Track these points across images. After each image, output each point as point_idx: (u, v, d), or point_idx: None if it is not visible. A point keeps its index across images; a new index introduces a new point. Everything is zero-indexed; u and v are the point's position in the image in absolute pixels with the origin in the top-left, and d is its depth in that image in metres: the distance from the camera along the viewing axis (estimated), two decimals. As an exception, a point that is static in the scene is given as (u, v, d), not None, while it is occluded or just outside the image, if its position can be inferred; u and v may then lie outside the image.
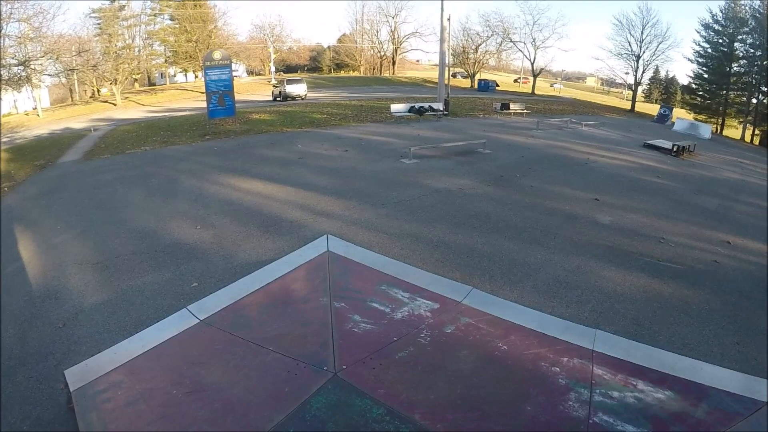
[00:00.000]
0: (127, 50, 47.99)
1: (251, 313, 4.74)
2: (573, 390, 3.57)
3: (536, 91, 55.83)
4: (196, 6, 50.26)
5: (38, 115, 35.74)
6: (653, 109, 47.27)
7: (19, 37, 32.49)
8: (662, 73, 61.64)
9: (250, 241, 7.91)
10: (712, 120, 45.51)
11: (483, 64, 60.63)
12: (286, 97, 35.66)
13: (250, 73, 65.52)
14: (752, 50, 43.25)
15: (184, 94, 46.00)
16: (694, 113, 48.42)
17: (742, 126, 44.85)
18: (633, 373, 3.76)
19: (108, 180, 12.42)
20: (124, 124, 25.97)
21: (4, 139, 23.51)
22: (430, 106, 24.83)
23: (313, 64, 72.45)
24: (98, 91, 47.79)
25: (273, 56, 58.23)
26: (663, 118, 37.57)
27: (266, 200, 10.04)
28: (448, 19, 26.80)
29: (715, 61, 46.44)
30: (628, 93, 56.81)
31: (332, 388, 3.56)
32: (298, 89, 36.51)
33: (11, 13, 31.02)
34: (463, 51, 58.97)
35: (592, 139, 21.29)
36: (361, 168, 12.98)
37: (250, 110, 26.13)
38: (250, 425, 3.29)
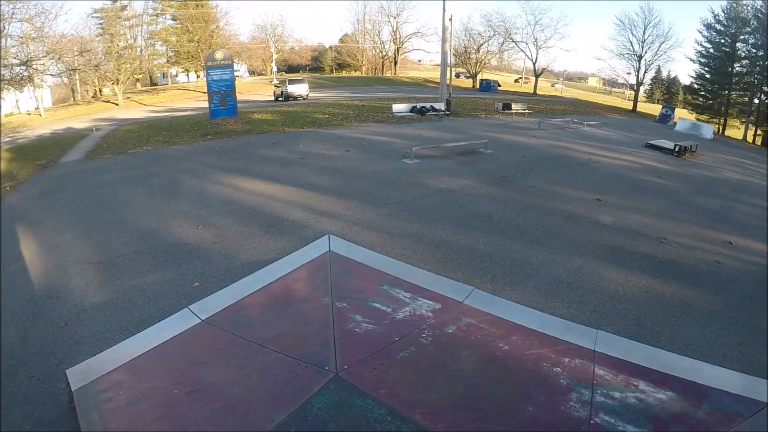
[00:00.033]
0: (129, 50, 48.08)
1: (253, 313, 4.74)
2: (574, 390, 3.57)
3: (538, 91, 55.85)
4: (198, 6, 50.30)
5: (40, 114, 35.81)
6: (655, 109, 47.22)
7: (22, 37, 32.54)
8: (664, 73, 61.59)
9: (252, 240, 7.91)
10: (714, 120, 45.48)
11: (485, 64, 60.67)
12: (287, 97, 35.69)
13: (251, 73, 65.60)
14: (754, 50, 43.20)
15: (186, 94, 46.03)
16: (696, 113, 48.42)
17: (744, 126, 44.81)
18: (634, 373, 3.75)
19: (110, 180, 12.43)
20: (126, 124, 26.00)
21: (6, 139, 23.56)
22: (431, 106, 24.81)
23: (314, 64, 72.51)
24: (100, 91, 47.89)
25: (275, 56, 58.26)
26: (665, 118, 37.52)
27: (268, 200, 10.04)
28: (450, 19, 26.81)
29: (717, 61, 46.40)
30: (630, 93, 56.80)
31: (334, 388, 3.56)
32: (300, 89, 36.53)
33: (13, 13, 31.11)
34: (465, 51, 59.05)
35: (593, 140, 21.27)
36: (362, 168, 12.98)
37: (251, 110, 26.16)
38: (251, 425, 3.29)
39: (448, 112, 25.97)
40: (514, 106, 30.24)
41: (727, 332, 5.65)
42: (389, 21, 66.92)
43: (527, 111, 30.12)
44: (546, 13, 74.97)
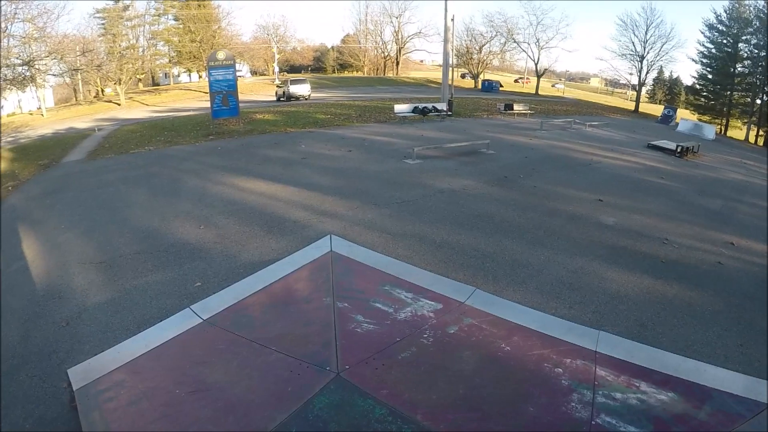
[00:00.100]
0: (131, 50, 48.15)
1: (254, 313, 4.74)
2: (576, 391, 3.56)
3: (539, 92, 55.80)
4: (200, 6, 50.38)
5: (42, 114, 35.89)
6: (657, 109, 47.24)
7: (24, 37, 32.57)
8: (666, 74, 61.63)
9: (254, 241, 7.92)
10: (716, 121, 45.49)
11: (486, 64, 60.69)
12: (289, 98, 35.72)
13: (253, 73, 65.66)
14: (756, 51, 43.19)
15: (188, 94, 46.08)
16: (698, 114, 48.41)
17: (746, 127, 44.79)
18: (636, 374, 3.75)
19: (111, 180, 12.45)
20: (128, 124, 26.04)
21: (8, 139, 23.61)
22: (433, 106, 24.82)
23: (316, 65, 72.57)
24: (102, 91, 48.00)
25: (277, 56, 58.31)
26: (667, 118, 37.50)
27: (270, 200, 10.05)
28: (452, 20, 26.83)
29: (719, 61, 46.38)
30: (632, 93, 56.81)
31: (335, 388, 3.56)
32: (302, 89, 36.55)
33: (15, 13, 31.13)
34: (467, 51, 59.11)
35: (595, 140, 21.26)
36: (364, 168, 12.98)
37: (253, 110, 26.19)
38: (252, 425, 3.29)
39: (450, 113, 25.97)
40: (516, 106, 30.26)
41: (728, 333, 5.65)
42: (391, 21, 67.06)
43: (529, 111, 30.12)
44: (548, 14, 75.23)
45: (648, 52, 50.90)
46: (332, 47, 73.81)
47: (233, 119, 20.78)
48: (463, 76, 61.85)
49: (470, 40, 59.31)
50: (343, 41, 72.58)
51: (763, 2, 41.78)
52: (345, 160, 14.10)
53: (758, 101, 43.76)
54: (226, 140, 17.81)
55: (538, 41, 56.84)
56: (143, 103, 41.09)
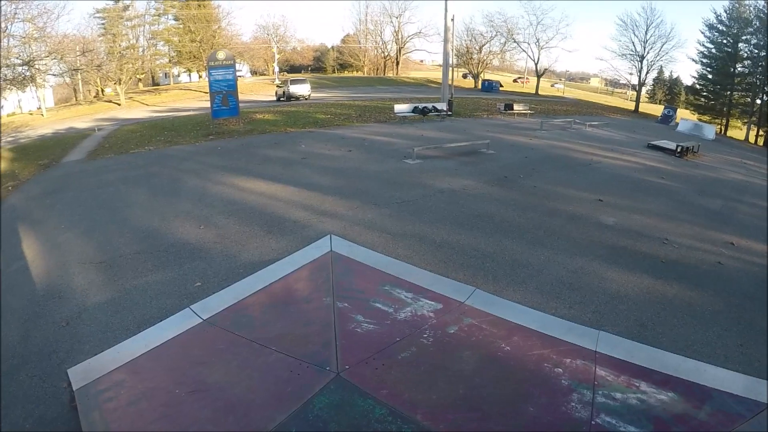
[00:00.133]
0: (131, 50, 48.15)
1: (254, 313, 4.74)
2: (575, 391, 3.56)
3: (539, 92, 55.81)
4: (200, 6, 50.38)
5: (42, 114, 35.89)
6: (657, 109, 47.25)
7: (24, 37, 32.57)
8: (666, 74, 61.64)
9: (254, 240, 7.92)
10: (716, 121, 45.50)
11: (486, 64, 60.69)
12: (289, 98, 35.71)
13: (253, 73, 65.66)
14: (756, 51, 43.19)
15: (188, 94, 46.08)
16: (698, 114, 48.42)
17: (746, 127, 44.79)
18: (636, 374, 3.75)
19: (111, 179, 12.45)
20: (128, 123, 26.04)
21: (8, 139, 23.61)
22: (433, 106, 24.82)
23: (316, 65, 72.57)
24: (102, 90, 48.00)
25: (277, 56, 58.30)
26: (667, 118, 37.51)
27: (270, 200, 10.05)
28: (452, 20, 26.83)
29: (719, 61, 46.38)
30: (632, 93, 56.83)
31: (335, 388, 3.56)
32: (302, 89, 36.55)
33: (16, 13, 31.13)
34: (467, 51, 59.12)
35: (595, 140, 21.26)
36: (364, 168, 12.98)
37: (253, 110, 26.19)
38: (252, 425, 3.29)
39: (450, 113, 25.97)
40: (516, 106, 30.27)
41: (728, 333, 5.65)
42: (391, 21, 67.06)
43: (529, 111, 30.13)
44: (548, 14, 75.28)
45: (648, 52, 50.95)
46: (332, 47, 73.90)
47: (233, 119, 20.78)
48: (465, 76, 61.88)
49: (470, 40, 59.40)
50: (343, 41, 72.66)
51: (763, 2, 41.81)
52: (345, 160, 14.10)
53: (758, 101, 43.77)
54: (226, 140, 17.81)
55: (538, 41, 56.94)
56: (143, 103, 41.09)
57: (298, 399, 3.44)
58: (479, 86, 55.94)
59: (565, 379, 3.71)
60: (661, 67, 55.93)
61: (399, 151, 15.31)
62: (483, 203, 10.03)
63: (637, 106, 50.61)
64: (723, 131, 44.12)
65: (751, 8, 43.64)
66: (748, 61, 44.52)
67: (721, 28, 45.85)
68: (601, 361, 3.90)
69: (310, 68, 70.75)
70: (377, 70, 70.02)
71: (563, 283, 6.68)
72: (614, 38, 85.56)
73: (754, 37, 43.22)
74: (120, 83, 42.49)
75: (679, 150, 19.19)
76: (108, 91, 47.34)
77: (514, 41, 58.56)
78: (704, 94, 49.39)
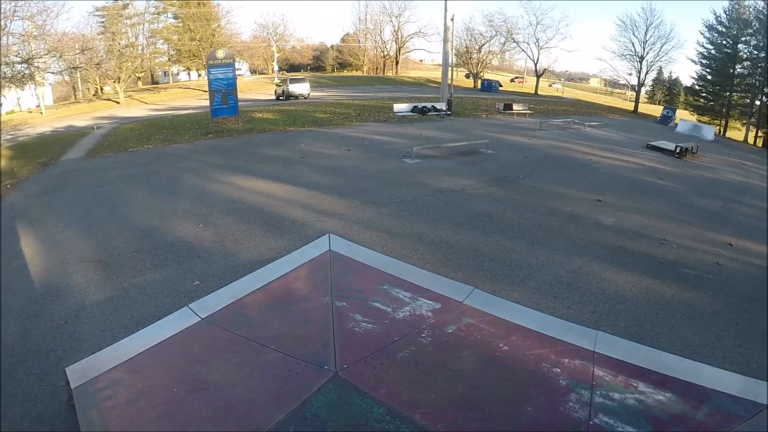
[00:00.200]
0: (131, 48, 48.11)
1: (252, 312, 4.75)
2: (574, 391, 3.57)
3: (538, 92, 55.84)
4: (199, 5, 50.30)
5: (41, 112, 35.82)
6: (656, 110, 47.26)
7: (23, 35, 32.57)
8: (665, 75, 61.62)
9: (252, 239, 7.91)
10: (716, 121, 45.53)
11: (486, 64, 60.67)
12: (289, 96, 35.69)
13: (253, 72, 65.58)
14: (756, 52, 43.20)
15: (188, 93, 46.03)
16: (698, 115, 48.44)
17: (745, 128, 44.81)
18: (634, 374, 3.76)
19: (110, 178, 12.43)
20: (127, 122, 26.01)
21: (7, 137, 23.56)
22: (433, 105, 24.81)
23: (316, 64, 72.51)
24: (101, 89, 47.94)
25: (276, 55, 58.23)
26: (666, 119, 37.53)
27: (268, 199, 10.04)
28: (452, 19, 26.80)
29: (719, 62, 46.39)
30: (632, 94, 56.86)
31: (333, 388, 3.56)
32: (301, 88, 36.52)
33: (15, 11, 31.13)
34: (467, 51, 59.08)
35: (595, 140, 21.27)
36: (363, 167, 12.98)
37: (253, 109, 26.16)
38: (250, 424, 3.29)
39: (449, 112, 25.96)
40: (515, 106, 30.26)
41: (727, 334, 5.65)
42: (391, 21, 67.04)
43: (528, 111, 30.13)
44: (548, 14, 75.29)
45: (647, 53, 50.95)
46: (332, 46, 73.90)
47: (232, 118, 20.75)
48: (467, 76, 61.84)
49: (470, 40, 59.35)
50: (343, 40, 72.62)
51: (762, 3, 41.84)
52: (344, 159, 14.10)
53: (757, 102, 43.81)
54: (225, 139, 17.80)
55: (537, 41, 56.94)
56: (142, 102, 41.05)
57: (297, 398, 3.45)
58: (478, 86, 55.92)
59: (563, 379, 3.71)
60: (661, 67, 56.02)
61: (398, 150, 15.31)
62: (482, 203, 10.03)
63: (636, 107, 50.64)
64: (722, 132, 44.14)
65: (751, 9, 43.70)
66: (748, 63, 44.54)
67: (720, 29, 45.89)
68: (600, 361, 3.90)
69: (309, 67, 70.70)
70: (377, 69, 69.99)
71: (562, 283, 6.68)
72: (614, 38, 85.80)
73: (753, 38, 43.24)
74: (119, 81, 42.44)
75: (678, 151, 19.21)
76: (107, 89, 47.29)
77: (514, 41, 58.64)
78: (703, 94, 49.40)
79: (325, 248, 5.80)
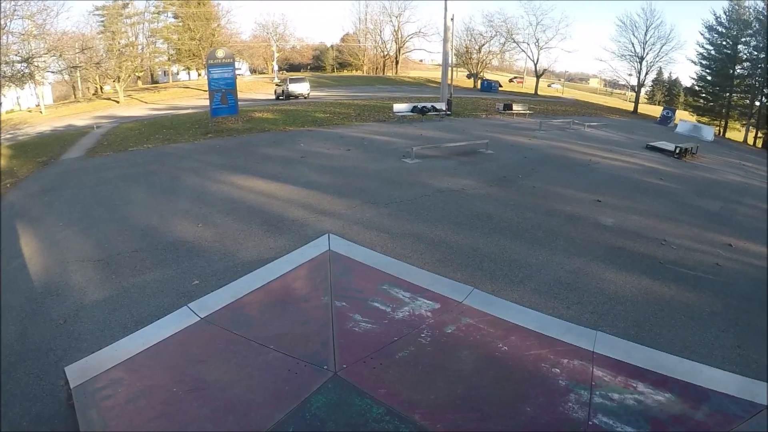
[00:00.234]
0: (131, 48, 48.07)
1: (252, 312, 4.75)
2: (573, 391, 3.57)
3: (538, 92, 55.85)
4: (199, 4, 50.26)
5: (41, 112, 35.82)
6: (656, 110, 47.25)
7: (23, 34, 32.51)
8: (665, 75, 61.59)
9: (252, 239, 7.91)
10: (715, 122, 45.52)
11: (486, 64, 60.66)
12: (288, 96, 35.67)
13: (253, 71, 65.57)
14: (756, 53, 43.19)
15: (187, 92, 46.00)
16: (697, 115, 48.42)
17: (745, 128, 44.82)
18: (633, 374, 3.76)
19: (110, 177, 12.42)
20: (127, 121, 26.00)
21: (7, 136, 23.55)
22: (432, 106, 24.80)
23: (316, 63, 72.48)
24: (101, 88, 47.93)
25: (276, 55, 58.21)
26: (666, 119, 37.53)
27: (268, 199, 10.04)
28: (452, 19, 26.80)
29: (719, 63, 46.37)
30: (631, 94, 56.84)
31: (332, 387, 3.56)
32: (301, 88, 36.51)
33: (15, 10, 31.08)
34: (467, 51, 59.06)
35: (594, 141, 21.27)
36: (363, 167, 12.98)
37: (252, 109, 26.15)
38: (250, 423, 3.29)
39: (449, 112, 25.96)
40: (514, 106, 30.26)
41: (726, 334, 5.65)
42: (391, 20, 66.98)
43: (528, 112, 30.12)
44: (548, 14, 75.28)
45: (647, 53, 50.91)
46: (332, 46, 73.83)
47: (232, 117, 20.74)
48: (469, 77, 61.82)
49: (470, 40, 59.33)
50: (343, 40, 72.56)
51: (762, 4, 41.84)
52: (344, 158, 14.10)
53: (757, 103, 43.78)
54: (224, 138, 17.79)
55: (537, 41, 56.89)
56: (142, 101, 41.03)
57: (296, 398, 3.45)
58: (478, 86, 55.92)
59: (562, 379, 3.72)
60: (661, 68, 55.95)
61: (398, 150, 15.30)
62: (482, 203, 10.03)
63: (636, 107, 50.63)
64: (722, 133, 44.14)
65: (751, 10, 43.67)
66: (748, 63, 44.53)
67: (720, 29, 45.85)
68: (599, 361, 3.91)
69: (309, 67, 70.67)
70: (376, 69, 69.97)
71: (561, 283, 6.68)
72: (614, 39, 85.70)
73: (753, 39, 43.22)
74: (119, 81, 42.43)
75: (677, 151, 19.21)
76: (107, 88, 47.29)
77: (514, 41, 58.62)
78: (703, 95, 49.40)
79: (324, 248, 5.80)
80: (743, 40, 44.22)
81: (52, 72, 37.84)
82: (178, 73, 58.90)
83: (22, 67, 31.69)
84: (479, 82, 56.57)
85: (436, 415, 3.37)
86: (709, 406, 3.48)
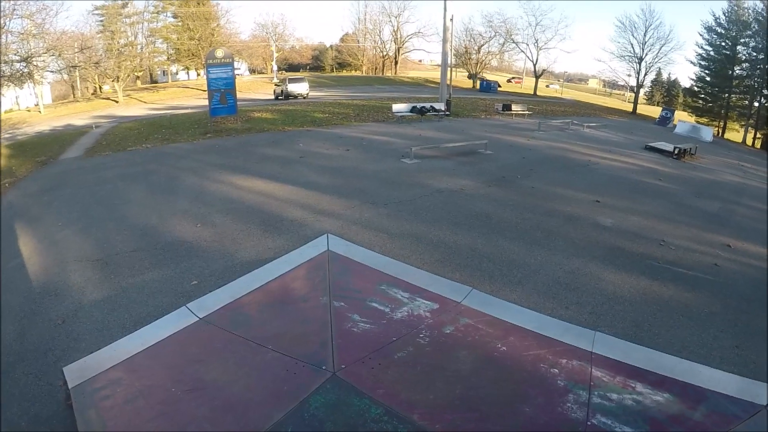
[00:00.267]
0: (130, 47, 47.97)
1: (251, 312, 4.75)
2: (571, 391, 3.57)
3: (537, 92, 55.88)
4: (199, 4, 50.19)
5: (40, 111, 35.79)
6: (655, 111, 47.24)
7: (22, 34, 32.43)
8: (664, 76, 61.58)
9: (251, 239, 7.91)
10: (714, 123, 45.52)
11: (485, 64, 60.66)
12: (288, 96, 35.66)
13: (252, 71, 65.49)
14: (755, 53, 43.23)
15: (186, 92, 45.98)
16: (696, 116, 48.42)
17: (743, 129, 44.85)
18: (632, 375, 3.76)
19: (109, 177, 12.42)
20: (126, 121, 25.98)
21: (6, 136, 23.51)
22: (431, 106, 24.81)
23: (315, 63, 72.44)
24: (100, 88, 47.85)
25: (275, 55, 58.18)
26: (665, 120, 37.54)
27: (267, 199, 10.04)
28: (451, 20, 26.82)
29: (718, 63, 46.39)
30: (630, 95, 56.87)
31: (331, 388, 3.56)
32: (300, 88, 36.50)
33: (14, 10, 31.02)
34: (466, 51, 59.03)
35: (593, 141, 21.29)
36: (362, 167, 12.98)
37: (251, 109, 26.14)
38: (249, 424, 3.29)
39: (448, 113, 25.96)
40: (513, 107, 30.25)
41: (724, 335, 5.66)
42: (390, 21, 66.89)
43: (527, 112, 30.12)
44: (547, 14, 74.81)
45: (646, 54, 50.92)
46: (331, 46, 73.76)
47: (231, 117, 20.74)
48: (470, 77, 61.82)
49: (469, 41, 59.31)
50: (342, 40, 72.51)
51: (761, 5, 41.87)
52: (343, 159, 14.10)
53: (756, 104, 43.79)
54: (223, 138, 17.79)
55: (536, 42, 56.88)
56: (141, 101, 41.00)
57: (295, 398, 3.45)
58: (477, 86, 55.92)
59: (561, 379, 3.72)
60: (660, 68, 55.93)
61: (397, 150, 15.31)
62: (480, 203, 10.04)
63: (635, 108, 50.67)
64: (720, 133, 44.16)
65: (750, 11, 43.68)
66: (747, 64, 44.55)
67: (719, 30, 45.85)
68: (598, 361, 3.91)
69: (308, 67, 70.62)
70: (376, 69, 69.92)
71: (560, 283, 6.69)
72: (613, 40, 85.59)
73: (752, 39, 43.25)
74: (118, 80, 42.39)
75: (676, 152, 19.23)
76: (106, 88, 47.19)
77: (513, 42, 58.60)
78: (702, 96, 49.40)
79: (323, 248, 5.80)
80: (742, 40, 44.25)
81: (51, 71, 37.77)
82: (177, 73, 58.83)
83: (21, 67, 31.63)
84: (478, 82, 56.56)
85: (435, 415, 3.37)
86: (708, 406, 3.48)
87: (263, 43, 61.11)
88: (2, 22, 29.62)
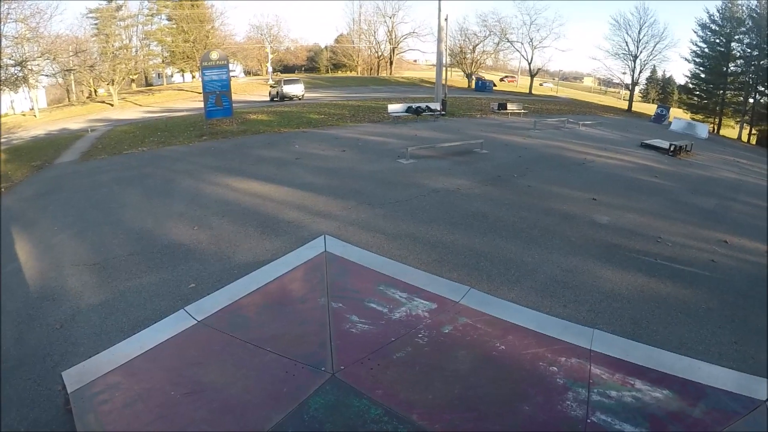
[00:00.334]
0: (124, 50, 47.88)
1: (249, 314, 4.73)
2: (571, 390, 3.57)
3: (533, 91, 55.95)
4: (193, 6, 50.13)
5: (35, 115, 35.63)
6: (650, 108, 47.41)
7: (16, 38, 32.37)
8: (659, 73, 61.71)
9: (248, 241, 7.90)
10: (709, 120, 45.66)
11: (480, 64, 60.70)
12: (283, 98, 35.63)
13: (247, 73, 65.40)
14: (749, 50, 43.38)
15: (182, 95, 45.90)
16: (691, 113, 48.55)
17: (739, 125, 45.02)
18: (631, 372, 3.76)
19: (105, 180, 12.39)
20: (122, 124, 25.91)
21: (1, 140, 23.43)
22: (427, 106, 24.80)
23: (310, 65, 72.38)
24: (95, 91, 47.70)
25: (270, 56, 58.16)
26: (660, 117, 37.63)
27: (263, 201, 10.03)
28: (446, 19, 26.84)
29: (712, 60, 46.54)
30: (626, 93, 57.02)
31: (330, 389, 3.55)
32: (296, 89, 36.48)
33: (8, 13, 30.95)
34: (461, 51, 59.05)
35: (589, 139, 21.33)
36: (358, 168, 12.97)
37: (247, 110, 26.10)
38: (248, 426, 3.28)
39: (443, 112, 25.96)
40: (509, 106, 30.27)
41: (722, 331, 5.68)
42: (385, 21, 66.82)
43: (523, 111, 30.15)
44: (541, 13, 74.96)
45: (641, 52, 51.08)
46: (326, 47, 73.67)
47: (227, 119, 20.71)
48: (468, 77, 61.89)
49: (464, 40, 59.34)
50: (337, 41, 72.45)
51: (755, 1, 42.03)
52: (339, 160, 14.09)
53: (751, 100, 43.97)
54: (219, 141, 17.76)
55: (531, 41, 56.99)
56: (136, 104, 40.91)
57: (294, 400, 3.44)
58: (473, 86, 55.95)
59: (560, 377, 3.72)
60: (654, 66, 56.14)
61: (393, 150, 15.31)
62: (477, 203, 10.04)
63: (630, 106, 50.79)
64: (716, 130, 44.31)
65: (744, 8, 43.87)
66: (741, 61, 44.71)
67: (714, 27, 46.01)
68: (596, 359, 3.91)
69: (303, 68, 70.57)
70: (371, 69, 69.88)
71: (558, 281, 6.70)
72: (607, 38, 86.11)
73: (746, 36, 43.42)
74: (113, 84, 42.25)
75: (672, 149, 19.28)
76: (101, 91, 47.02)
77: (508, 41, 58.69)
78: (697, 93, 49.54)
79: (320, 249, 5.79)
80: (736, 37, 44.41)
81: (46, 75, 37.62)
82: (172, 76, 58.68)
83: (16, 71, 31.58)
84: (474, 81, 56.59)
85: (434, 415, 3.37)
86: (707, 402, 3.49)
87: (258, 44, 61.07)
88: (-2, 26, 29.56)
